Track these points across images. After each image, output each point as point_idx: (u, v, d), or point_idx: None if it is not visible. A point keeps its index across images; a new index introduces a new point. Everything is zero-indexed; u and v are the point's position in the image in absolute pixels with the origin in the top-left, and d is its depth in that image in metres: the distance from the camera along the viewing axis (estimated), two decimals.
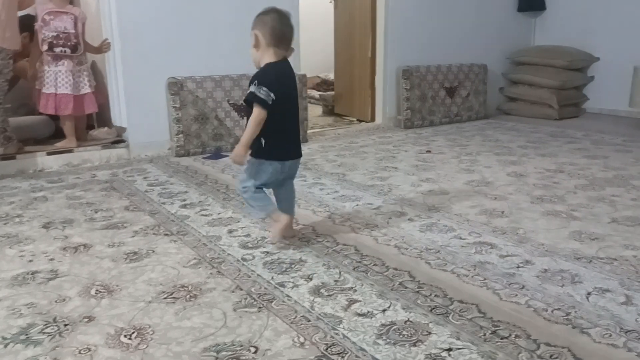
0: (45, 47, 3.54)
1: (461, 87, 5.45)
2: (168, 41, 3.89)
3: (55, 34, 3.55)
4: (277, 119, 1.97)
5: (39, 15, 3.55)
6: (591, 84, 5.73)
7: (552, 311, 1.61)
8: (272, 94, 1.91)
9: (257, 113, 1.93)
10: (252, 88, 1.93)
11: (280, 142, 2.04)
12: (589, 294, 1.73)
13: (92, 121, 4.28)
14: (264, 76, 1.95)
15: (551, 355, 1.39)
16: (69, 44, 3.60)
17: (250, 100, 1.94)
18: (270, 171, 2.06)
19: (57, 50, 3.57)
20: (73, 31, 3.60)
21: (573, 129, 4.88)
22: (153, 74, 3.84)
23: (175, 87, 3.84)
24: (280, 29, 1.97)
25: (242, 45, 4.15)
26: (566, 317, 1.58)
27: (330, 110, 6.21)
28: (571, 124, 5.20)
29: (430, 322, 1.57)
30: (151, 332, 1.54)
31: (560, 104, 5.41)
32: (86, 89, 3.75)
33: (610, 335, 1.48)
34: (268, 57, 1.99)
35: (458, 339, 1.48)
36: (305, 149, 4.20)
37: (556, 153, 3.89)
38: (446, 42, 5.42)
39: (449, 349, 1.43)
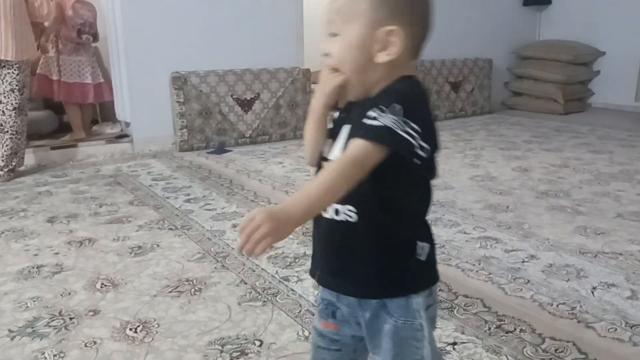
0: (74, 34, 3.75)
1: (466, 82, 5.43)
2: (172, 35, 3.88)
3: (82, 21, 3.75)
4: (429, 194, 0.90)
5: (68, 4, 3.71)
6: (597, 78, 5.69)
7: (557, 305, 1.61)
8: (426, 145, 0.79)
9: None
10: (388, 121, 0.76)
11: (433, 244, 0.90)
12: (594, 288, 1.72)
13: (96, 116, 4.30)
14: (413, 100, 0.80)
15: (556, 350, 1.38)
16: (92, 32, 3.83)
17: (397, 148, 0.77)
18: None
19: (84, 37, 3.79)
20: (94, 20, 3.84)
21: (578, 124, 4.85)
22: (157, 68, 3.84)
23: (179, 81, 3.84)
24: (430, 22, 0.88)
25: (246, 40, 4.16)
26: (571, 312, 1.57)
27: (333, 105, 6.20)
28: (576, 118, 5.17)
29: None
30: (156, 326, 1.54)
31: (565, 98, 5.38)
32: (100, 77, 3.96)
33: (616, 330, 1.48)
34: (400, 69, 0.84)
35: (463, 333, 1.48)
36: None
37: (561, 148, 3.88)
38: (451, 36, 5.39)
39: (454, 343, 1.43)
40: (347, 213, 0.83)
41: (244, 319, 1.57)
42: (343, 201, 0.81)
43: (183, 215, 2.50)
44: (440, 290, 1.73)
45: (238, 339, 1.47)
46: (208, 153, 3.85)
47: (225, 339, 1.46)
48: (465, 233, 2.23)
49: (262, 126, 4.22)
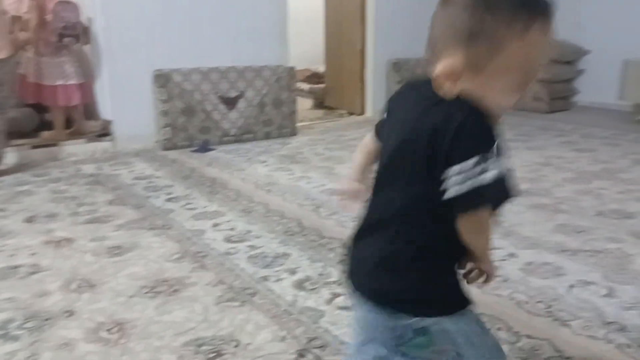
0: (55, 38, 3.62)
1: None
2: (154, 33, 3.85)
3: (64, 24, 3.63)
4: None
5: (48, 7, 3.60)
6: (581, 77, 5.73)
7: (534, 303, 1.61)
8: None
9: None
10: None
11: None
12: (572, 286, 1.73)
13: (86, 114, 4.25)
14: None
15: (531, 348, 1.39)
16: (75, 33, 3.70)
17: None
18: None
19: (66, 40, 3.66)
20: (77, 21, 3.70)
21: (563, 122, 4.88)
22: (139, 66, 3.80)
23: (162, 79, 3.80)
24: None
25: (230, 37, 4.14)
26: (548, 310, 1.58)
27: (320, 103, 6.19)
28: (561, 117, 5.21)
29: None
30: (132, 327, 1.52)
31: (550, 97, 5.41)
32: (83, 77, 3.84)
33: (591, 328, 1.48)
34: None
35: None
36: (293, 142, 4.20)
37: (545, 146, 3.90)
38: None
39: None
40: None
41: (221, 320, 1.55)
42: None
43: (163, 214, 2.48)
44: None
45: (214, 339, 1.45)
46: (191, 151, 3.82)
47: (201, 340, 1.45)
48: None
49: (246, 124, 4.19)
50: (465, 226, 0.78)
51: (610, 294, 1.67)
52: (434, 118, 0.78)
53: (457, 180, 0.74)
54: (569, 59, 5.57)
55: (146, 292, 1.73)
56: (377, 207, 0.89)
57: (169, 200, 2.69)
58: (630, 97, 4.89)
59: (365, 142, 1.03)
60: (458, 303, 0.88)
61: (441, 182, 0.76)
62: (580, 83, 5.75)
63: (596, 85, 5.57)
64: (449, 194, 0.75)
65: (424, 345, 0.87)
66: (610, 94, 5.18)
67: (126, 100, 3.84)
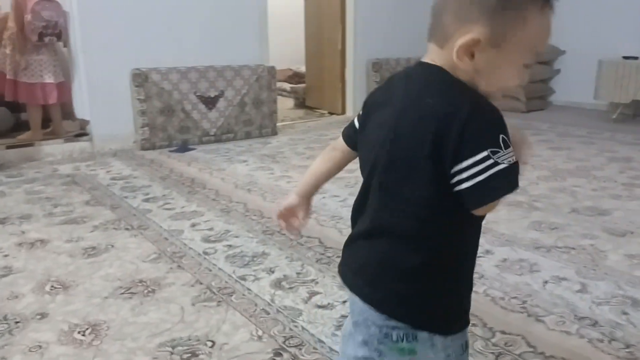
0: (35, 37, 3.57)
1: None
2: (132, 31, 3.80)
3: (44, 23, 3.57)
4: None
5: (28, 6, 3.53)
6: (557, 76, 5.82)
7: (509, 300, 1.63)
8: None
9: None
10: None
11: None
12: (546, 282, 1.75)
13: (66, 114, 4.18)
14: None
15: (505, 343, 1.40)
16: (56, 32, 3.65)
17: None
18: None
19: (47, 39, 3.62)
20: (58, 20, 3.65)
21: (539, 121, 4.95)
22: (116, 65, 3.75)
23: (140, 78, 3.76)
24: None
25: (209, 36, 4.11)
26: (522, 306, 1.60)
27: (301, 103, 6.19)
28: (538, 116, 5.28)
29: None
30: (106, 328, 1.50)
31: (527, 96, 5.48)
32: (62, 76, 3.80)
33: (564, 323, 1.50)
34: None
35: None
36: (274, 141, 4.19)
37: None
38: (415, 34, 5.42)
39: None
40: None
41: (197, 320, 1.54)
42: None
43: (140, 215, 2.45)
44: None
45: (190, 340, 1.44)
46: (170, 151, 3.79)
47: (176, 341, 1.44)
48: None
49: (226, 124, 4.17)
50: (479, 213, 0.74)
51: (583, 290, 1.70)
52: (435, 112, 0.72)
53: (467, 176, 0.70)
54: (546, 59, 5.65)
55: (121, 293, 1.71)
56: (375, 211, 0.82)
57: (146, 200, 2.67)
58: (604, 97, 4.98)
59: (330, 150, 0.98)
60: (458, 323, 0.84)
61: (449, 182, 0.72)
62: (557, 83, 5.84)
63: (572, 85, 5.66)
64: (461, 191, 0.71)
65: (406, 352, 0.82)
66: (585, 93, 5.26)
67: (104, 100, 3.79)
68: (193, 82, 3.96)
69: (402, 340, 0.80)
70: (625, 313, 1.56)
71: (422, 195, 0.75)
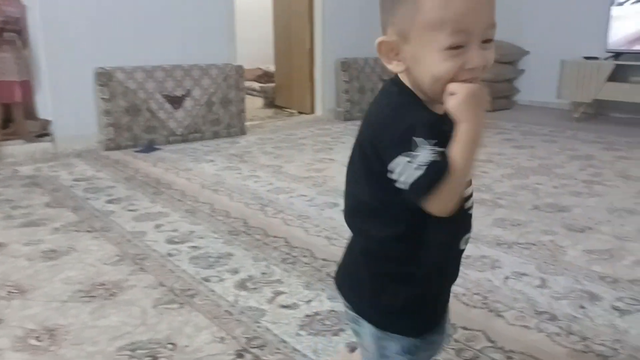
0: None
1: None
2: (95, 29, 3.72)
3: (3, 19, 3.50)
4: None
5: None
6: (522, 76, 5.94)
7: (471, 296, 1.66)
8: None
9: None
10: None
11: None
12: (507, 278, 1.79)
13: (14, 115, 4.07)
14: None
15: (466, 339, 1.42)
16: (17, 29, 3.59)
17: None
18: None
19: (7, 35, 3.55)
20: (20, 16, 3.57)
21: (504, 121, 5.05)
22: (80, 64, 3.67)
23: (104, 77, 3.69)
24: None
25: (175, 35, 4.06)
26: (484, 302, 1.62)
27: (270, 102, 6.17)
28: (503, 115, 5.38)
29: None
30: (64, 333, 1.47)
31: (492, 96, 5.58)
32: (27, 75, 3.72)
33: (524, 318, 1.54)
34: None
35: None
36: (242, 141, 4.17)
37: (486, 144, 4.02)
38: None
39: None
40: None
41: (159, 322, 1.52)
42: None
43: (103, 216, 2.40)
44: None
45: (150, 343, 1.42)
46: (136, 152, 3.72)
47: (136, 344, 1.41)
48: None
49: (193, 124, 4.12)
50: (429, 210, 0.73)
51: (542, 285, 1.74)
52: (370, 111, 0.81)
53: (396, 175, 0.73)
54: (510, 60, 5.76)
55: (82, 297, 1.67)
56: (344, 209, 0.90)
57: (109, 201, 2.61)
58: (566, 96, 5.11)
59: None
60: (395, 326, 0.84)
61: (386, 177, 0.74)
62: (521, 83, 5.96)
63: (536, 85, 5.79)
64: (400, 187, 0.74)
65: (355, 333, 0.93)
66: (548, 93, 5.39)
67: (67, 99, 3.70)
68: (159, 81, 3.90)
69: (352, 321, 0.91)
70: (582, 307, 1.60)
71: (364, 192, 0.83)
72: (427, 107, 0.77)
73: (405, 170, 0.71)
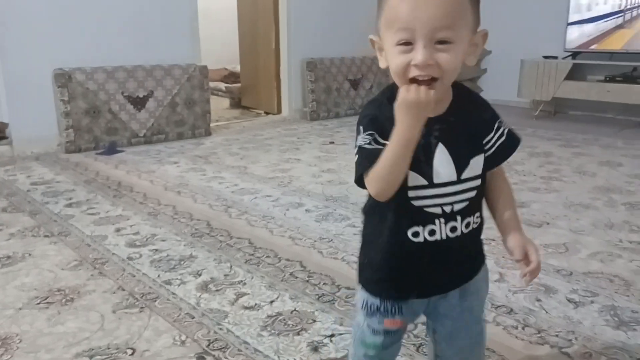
0: None
1: (365, 80, 5.56)
2: (54, 29, 3.63)
3: None
4: None
5: None
6: (485, 76, 6.06)
7: None
8: None
9: None
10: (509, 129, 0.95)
11: None
12: None
13: None
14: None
15: (426, 335, 1.44)
16: None
17: None
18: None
19: None
20: None
21: None
22: (37, 64, 3.58)
23: (63, 78, 3.60)
24: None
25: (137, 35, 3.99)
26: None
27: (237, 103, 6.13)
28: None
29: (316, 310, 1.59)
30: (18, 341, 1.43)
31: None
32: None
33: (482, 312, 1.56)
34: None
35: (341, 324, 1.51)
36: (207, 142, 4.13)
37: None
38: (349, 34, 5.50)
39: (332, 335, 1.45)
40: (476, 220, 0.92)
41: (118, 327, 1.49)
42: (473, 211, 0.90)
43: (62, 221, 2.35)
44: (324, 284, 1.76)
45: (109, 348, 1.39)
46: (97, 154, 3.65)
47: (94, 350, 1.39)
48: (354, 227, 2.28)
49: (157, 125, 4.06)
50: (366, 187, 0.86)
51: (500, 279, 1.78)
52: None
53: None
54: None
55: (37, 304, 1.63)
56: None
57: (68, 205, 2.55)
58: (526, 95, 5.24)
59: None
60: (363, 281, 0.98)
61: None
62: (484, 82, 6.08)
63: (498, 84, 5.91)
64: None
65: None
66: (510, 91, 5.51)
67: (24, 101, 3.60)
68: (120, 81, 3.83)
69: None
70: (538, 300, 1.65)
71: None
72: None
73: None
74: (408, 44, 0.77)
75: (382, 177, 0.81)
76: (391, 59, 0.80)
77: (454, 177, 0.86)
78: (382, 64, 0.85)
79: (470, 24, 0.80)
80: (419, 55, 0.76)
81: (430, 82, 0.78)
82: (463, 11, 0.77)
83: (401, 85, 0.80)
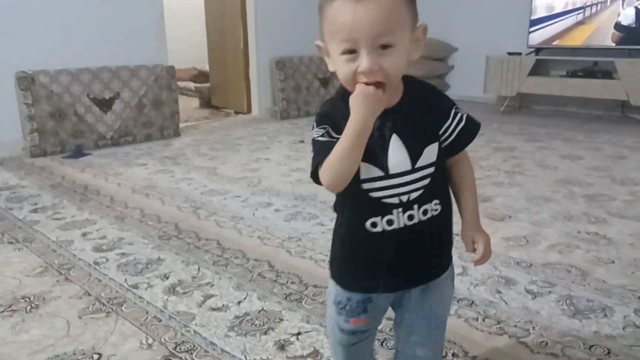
0: None
1: (334, 78, 5.58)
2: (16, 31, 3.55)
3: None
4: None
5: None
6: (452, 72, 6.16)
7: None
8: None
9: None
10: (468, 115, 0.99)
11: None
12: None
13: None
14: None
15: (390, 330, 1.48)
16: None
17: None
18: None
19: None
20: None
21: None
22: None
23: (26, 81, 3.53)
24: None
25: (102, 36, 3.94)
26: None
27: (207, 103, 6.09)
28: None
29: (284, 309, 1.61)
30: None
31: None
32: None
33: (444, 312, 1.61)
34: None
35: (308, 322, 1.53)
36: (176, 143, 4.11)
37: None
38: (318, 32, 5.52)
39: (298, 334, 1.48)
40: (434, 207, 0.92)
41: (83, 333, 1.49)
42: (430, 199, 0.91)
43: (26, 226, 2.32)
44: (291, 283, 1.78)
45: (75, 354, 1.39)
46: (63, 157, 3.60)
47: (60, 356, 1.38)
48: (322, 225, 2.31)
49: (124, 127, 4.02)
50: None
51: (463, 273, 1.83)
52: None
53: None
54: (440, 56, 5.96)
55: (1, 312, 1.61)
56: None
57: (33, 211, 2.52)
58: (492, 90, 5.35)
59: None
60: (332, 273, 1.00)
61: None
62: (451, 78, 6.19)
63: (465, 80, 6.02)
64: None
65: None
66: (476, 87, 5.62)
67: None
68: (85, 83, 3.78)
69: None
70: (499, 292, 1.70)
71: None
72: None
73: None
74: (352, 51, 0.80)
75: (333, 168, 0.83)
76: (338, 68, 0.84)
77: (408, 167, 0.88)
78: (331, 68, 0.88)
79: (409, 23, 0.83)
80: (363, 62, 0.79)
81: (378, 85, 0.81)
82: (400, 14, 0.80)
83: (351, 89, 0.83)
